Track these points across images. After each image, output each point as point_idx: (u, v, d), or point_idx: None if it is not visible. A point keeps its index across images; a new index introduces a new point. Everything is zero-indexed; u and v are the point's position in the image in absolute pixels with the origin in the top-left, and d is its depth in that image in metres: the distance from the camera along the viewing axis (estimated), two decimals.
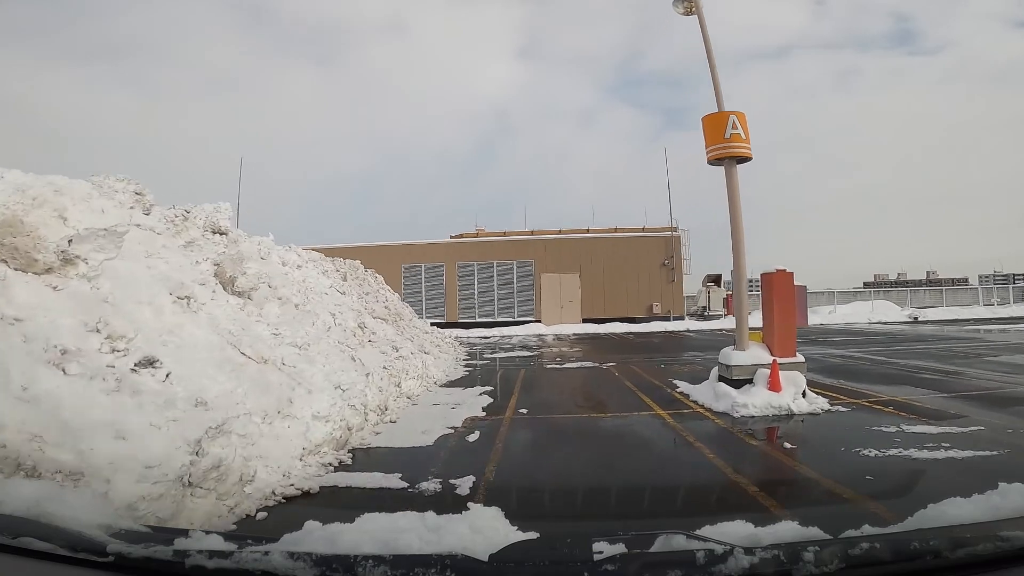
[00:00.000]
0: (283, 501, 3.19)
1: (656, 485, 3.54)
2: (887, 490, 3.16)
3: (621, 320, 21.84)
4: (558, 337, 18.47)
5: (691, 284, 24.67)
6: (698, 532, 1.24)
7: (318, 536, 1.36)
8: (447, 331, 15.75)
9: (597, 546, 1.16)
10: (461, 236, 24.59)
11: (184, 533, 1.29)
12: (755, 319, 6.50)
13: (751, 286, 8.71)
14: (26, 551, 1.24)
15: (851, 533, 1.26)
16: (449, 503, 2.95)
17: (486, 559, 1.16)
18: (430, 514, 1.53)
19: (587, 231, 23.76)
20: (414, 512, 1.56)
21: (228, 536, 1.27)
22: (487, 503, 1.95)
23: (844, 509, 2.93)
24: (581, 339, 17.47)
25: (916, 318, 21.96)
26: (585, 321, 22.00)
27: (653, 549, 1.17)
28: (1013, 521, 1.30)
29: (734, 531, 1.31)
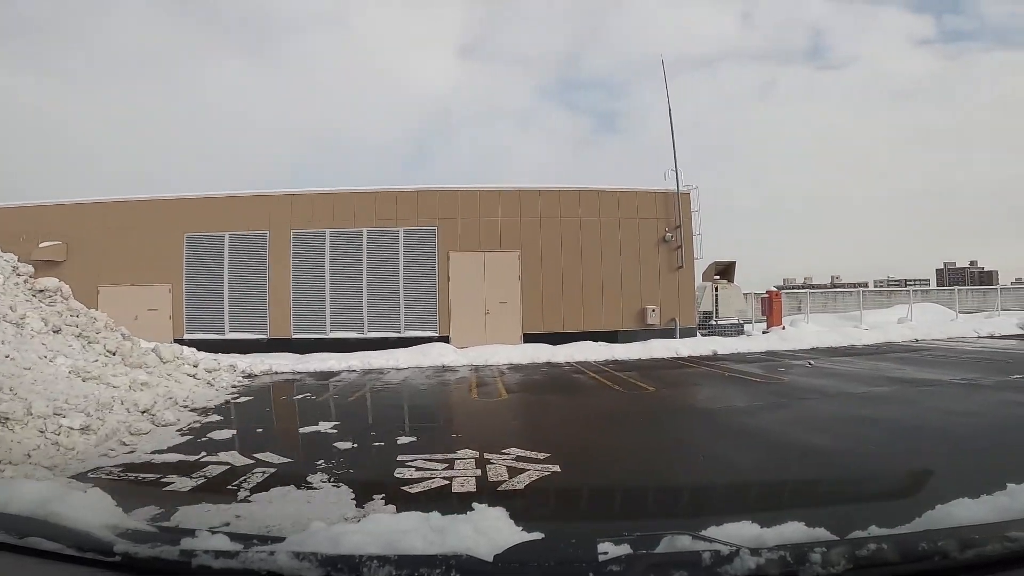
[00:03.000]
0: None
1: None
2: None
3: (594, 336, 12.61)
4: (468, 380, 9.82)
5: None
6: (703, 532, 1.24)
7: (323, 536, 1.35)
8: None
9: (602, 547, 1.18)
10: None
11: (191, 533, 1.32)
12: None
13: None
14: (33, 551, 1.27)
15: (858, 534, 1.28)
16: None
17: (490, 560, 1.17)
18: (434, 515, 1.47)
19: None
20: (419, 512, 1.50)
21: (234, 536, 1.31)
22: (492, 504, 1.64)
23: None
24: (516, 386, 9.04)
25: None
26: (530, 339, 12.59)
27: (658, 550, 1.19)
28: (1022, 522, 1.28)
29: (739, 532, 1.28)
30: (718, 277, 17.16)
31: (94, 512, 1.48)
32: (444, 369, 10.74)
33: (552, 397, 7.73)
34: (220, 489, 3.55)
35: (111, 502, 1.62)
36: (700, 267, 15.44)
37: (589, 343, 12.49)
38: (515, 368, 10.66)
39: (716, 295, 16.42)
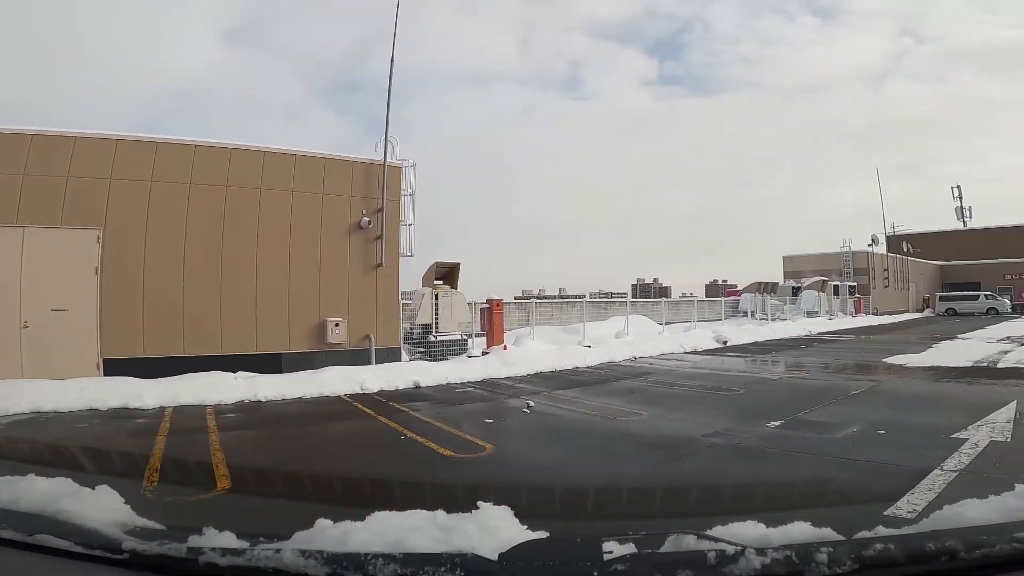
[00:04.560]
0: None
1: None
2: None
3: (241, 363, 8.30)
4: None
5: (413, 277, 12.40)
6: (709, 532, 1.24)
7: (329, 534, 1.38)
8: None
9: (607, 546, 1.17)
10: None
11: (198, 531, 1.33)
12: None
13: None
14: (41, 548, 1.28)
15: (864, 534, 1.27)
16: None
17: (495, 558, 1.16)
18: (440, 513, 1.48)
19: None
20: (424, 511, 1.50)
21: (241, 534, 1.31)
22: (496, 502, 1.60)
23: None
24: None
25: (726, 342, 15.26)
26: (117, 369, 7.35)
27: (663, 549, 1.19)
28: None
29: (745, 531, 1.29)
30: (440, 282, 14.24)
31: (102, 510, 1.49)
32: None
33: None
34: None
35: (119, 499, 1.61)
36: (412, 267, 12.20)
37: (223, 375, 7.89)
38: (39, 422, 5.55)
39: (436, 304, 13.43)
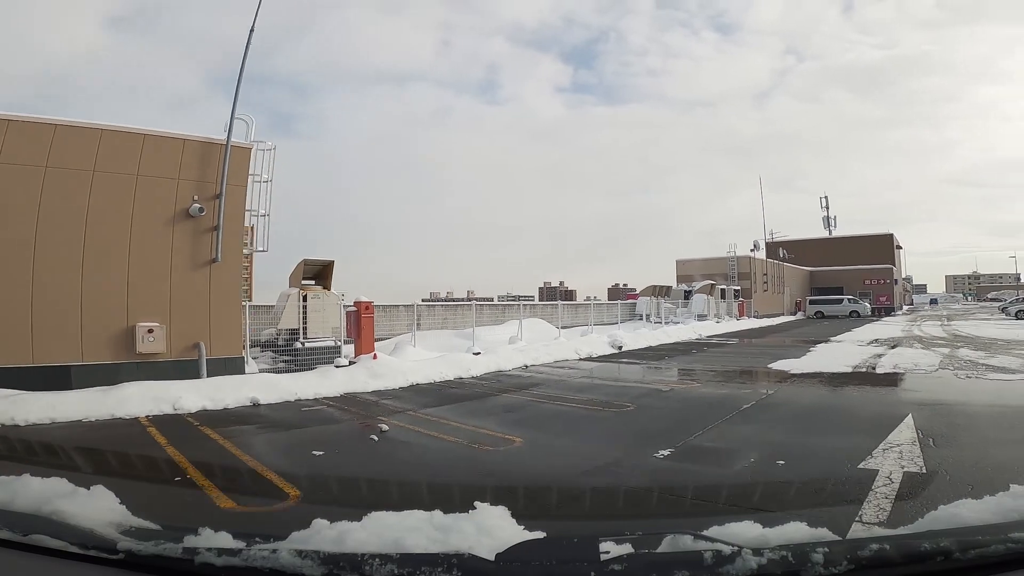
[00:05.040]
0: None
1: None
2: None
3: (18, 376, 5.95)
4: None
5: (271, 280, 10.76)
6: (706, 532, 1.24)
7: (326, 535, 1.40)
8: None
9: (604, 546, 1.18)
10: None
11: (194, 531, 1.31)
12: None
13: None
14: (37, 548, 1.26)
15: (860, 534, 1.49)
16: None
17: (492, 558, 1.16)
18: (437, 513, 1.52)
19: None
20: (421, 511, 1.55)
21: (237, 534, 1.29)
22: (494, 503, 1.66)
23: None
24: None
25: (621, 347, 14.85)
26: None
27: (660, 549, 1.18)
28: None
29: (742, 532, 1.29)
30: (312, 282, 12.46)
31: (97, 510, 1.47)
32: None
33: None
34: None
35: (115, 500, 1.57)
36: (272, 266, 10.41)
37: None
38: None
39: (305, 306, 11.65)
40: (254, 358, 11.30)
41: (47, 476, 1.77)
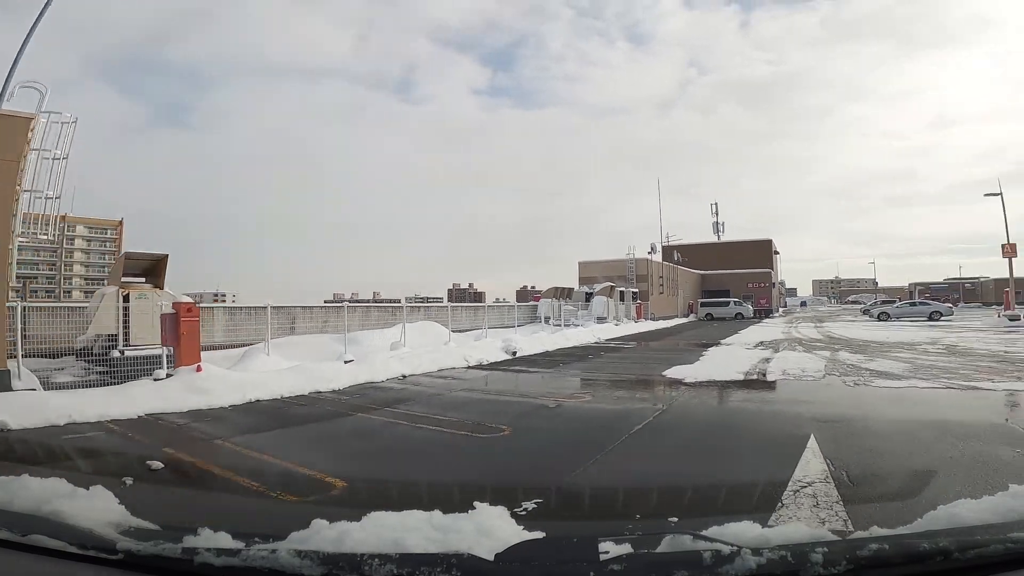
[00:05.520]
0: None
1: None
2: None
3: None
4: None
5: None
6: (705, 532, 1.23)
7: (325, 535, 1.38)
8: None
9: (603, 546, 1.17)
10: None
11: (193, 531, 1.31)
12: None
13: None
14: (36, 548, 1.26)
15: (860, 534, 1.28)
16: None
17: (492, 559, 1.16)
18: (436, 513, 1.51)
19: None
20: (421, 511, 1.54)
21: (237, 534, 1.29)
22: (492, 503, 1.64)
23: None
24: None
25: (515, 352, 14.00)
26: None
27: (659, 549, 1.18)
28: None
29: (741, 531, 1.27)
30: (142, 280, 10.21)
31: (96, 510, 1.46)
32: None
33: None
34: None
35: (114, 500, 1.57)
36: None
37: None
38: None
39: (126, 307, 9.44)
40: (59, 368, 9.03)
41: None
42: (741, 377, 8.97)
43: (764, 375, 9.09)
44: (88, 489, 1.62)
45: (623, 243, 52.84)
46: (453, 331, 18.16)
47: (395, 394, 8.23)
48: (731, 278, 46.88)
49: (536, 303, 27.56)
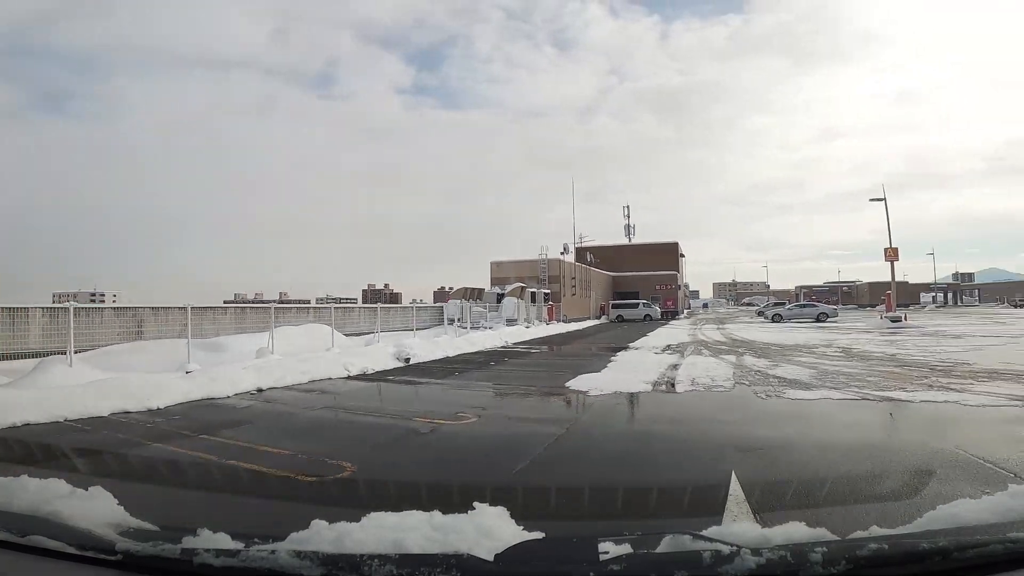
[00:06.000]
0: None
1: None
2: None
3: None
4: None
5: None
6: (705, 532, 1.23)
7: (325, 535, 1.35)
8: None
9: (603, 546, 1.17)
10: None
11: (192, 532, 1.30)
12: None
13: None
14: (35, 549, 1.26)
15: (859, 534, 1.27)
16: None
17: (491, 559, 1.15)
18: (436, 514, 1.47)
19: None
20: (420, 512, 1.50)
21: (236, 535, 1.27)
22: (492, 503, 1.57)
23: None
24: None
25: (408, 359, 12.56)
26: None
27: (659, 550, 1.18)
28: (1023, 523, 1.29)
29: (742, 532, 1.28)
30: None
31: (96, 511, 1.45)
32: None
33: None
34: None
35: (113, 501, 1.54)
36: None
37: None
38: None
39: None
40: None
41: None
42: (649, 387, 8.09)
43: (673, 385, 8.25)
44: (88, 491, 1.58)
45: (541, 245, 52.68)
46: (351, 334, 16.35)
47: (232, 415, 6.50)
48: (641, 280, 47.85)
49: (444, 305, 26.14)
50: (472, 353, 15.16)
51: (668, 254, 54.67)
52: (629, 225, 58.16)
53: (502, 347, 17.59)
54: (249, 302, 46.61)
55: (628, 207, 58.52)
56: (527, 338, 21.28)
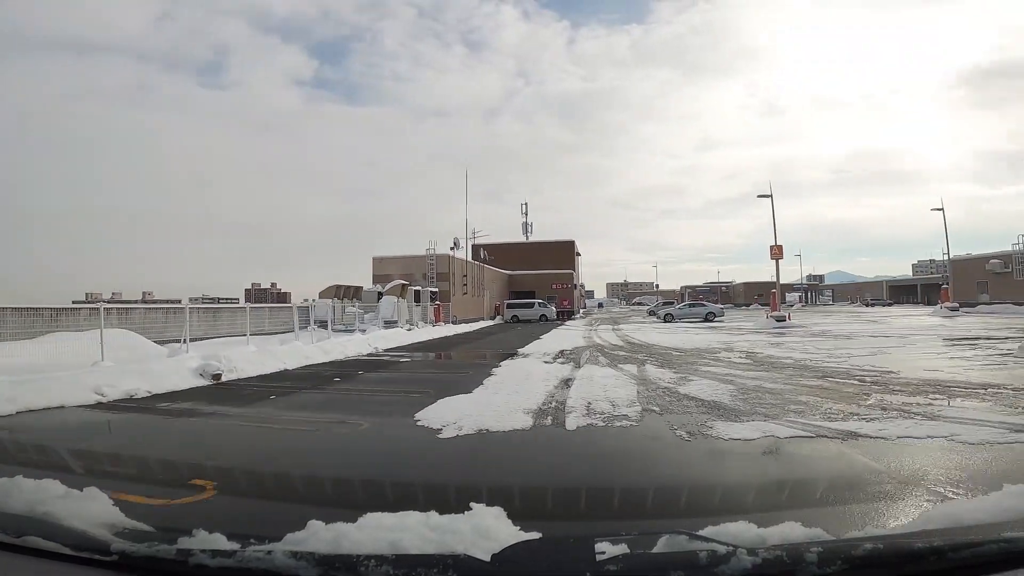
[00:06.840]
0: None
1: None
2: None
3: None
4: None
5: None
6: (701, 532, 1.22)
7: (321, 536, 1.33)
8: None
9: (600, 546, 1.16)
10: None
11: (188, 532, 1.29)
12: None
13: None
14: (30, 550, 1.26)
15: (855, 534, 1.28)
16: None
17: (488, 559, 1.15)
18: (433, 514, 1.43)
19: None
20: (417, 512, 1.45)
21: (232, 535, 1.27)
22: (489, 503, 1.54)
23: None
24: None
25: (219, 375, 9.33)
26: None
27: (656, 550, 1.18)
28: (1019, 523, 1.28)
29: (738, 532, 1.26)
30: None
31: (91, 511, 1.45)
32: None
33: None
34: None
35: (108, 501, 1.55)
36: None
37: None
38: None
39: None
40: None
41: None
42: (529, 423, 5.67)
43: (563, 422, 5.84)
44: (83, 491, 1.54)
45: (429, 240, 49.56)
46: (169, 340, 12.57)
47: None
48: (537, 279, 46.51)
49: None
50: (322, 364, 12.05)
51: (565, 252, 54.01)
52: (527, 223, 56.79)
53: (368, 355, 14.58)
54: (150, 302, 39.27)
55: (526, 204, 57.11)
56: (403, 343, 18.38)
